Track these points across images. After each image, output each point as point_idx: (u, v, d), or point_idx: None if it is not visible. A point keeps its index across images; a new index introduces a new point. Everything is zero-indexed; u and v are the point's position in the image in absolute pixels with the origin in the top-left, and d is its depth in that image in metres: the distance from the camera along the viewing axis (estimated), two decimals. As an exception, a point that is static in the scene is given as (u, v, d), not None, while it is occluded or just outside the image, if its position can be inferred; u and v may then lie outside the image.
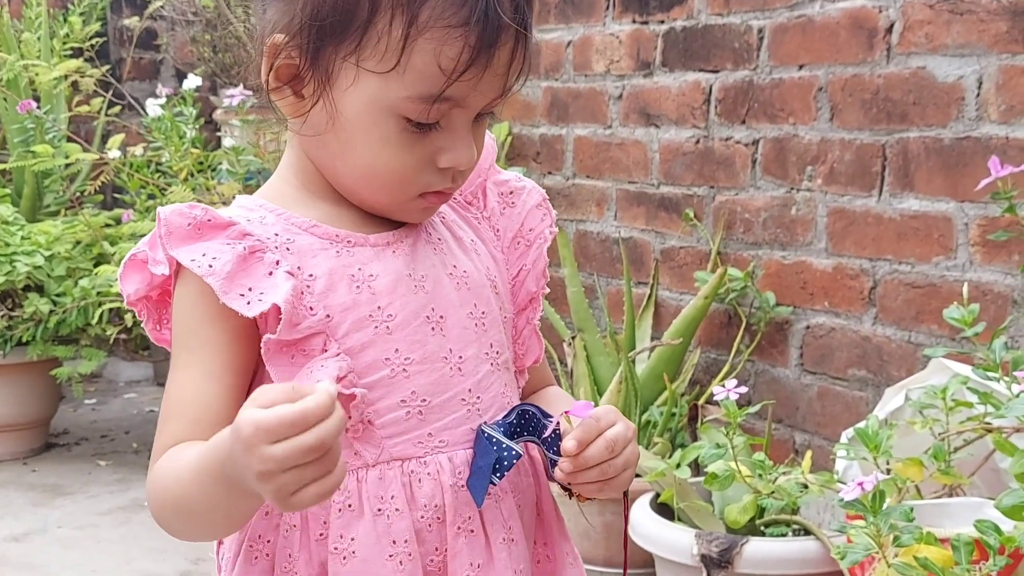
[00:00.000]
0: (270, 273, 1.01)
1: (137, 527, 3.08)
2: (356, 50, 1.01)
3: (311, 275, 1.04)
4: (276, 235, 1.05)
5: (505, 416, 1.10)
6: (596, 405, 1.06)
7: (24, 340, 3.47)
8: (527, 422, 1.09)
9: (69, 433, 3.97)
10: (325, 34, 1.02)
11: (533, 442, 1.09)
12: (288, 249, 1.04)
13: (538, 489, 1.16)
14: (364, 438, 1.05)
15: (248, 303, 0.99)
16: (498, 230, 1.20)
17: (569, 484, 1.08)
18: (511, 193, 1.21)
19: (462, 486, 1.06)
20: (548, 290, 1.22)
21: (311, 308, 1.03)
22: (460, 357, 1.09)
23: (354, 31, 1.01)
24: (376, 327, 1.05)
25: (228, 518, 0.98)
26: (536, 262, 1.19)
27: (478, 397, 1.09)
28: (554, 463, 1.07)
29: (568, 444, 1.04)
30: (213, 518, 0.98)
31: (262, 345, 1.00)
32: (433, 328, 1.08)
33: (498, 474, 1.06)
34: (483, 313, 1.12)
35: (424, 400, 1.06)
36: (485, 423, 1.08)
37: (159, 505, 1.02)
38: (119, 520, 3.13)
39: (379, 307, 1.06)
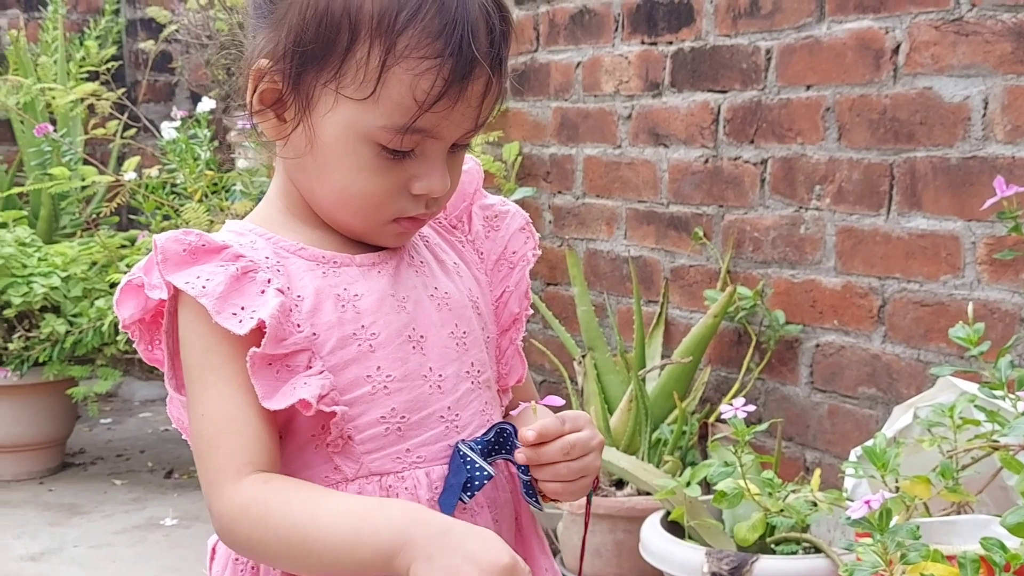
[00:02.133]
0: (262, 292, 1.04)
1: (152, 546, 3.10)
2: (335, 77, 1.05)
3: (299, 296, 1.07)
4: (267, 258, 1.08)
5: (484, 434, 1.13)
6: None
7: (41, 360, 3.50)
8: (504, 440, 1.12)
9: (85, 452, 4.00)
10: (307, 60, 1.05)
11: (509, 460, 1.12)
12: (278, 271, 1.08)
13: (517, 505, 1.19)
14: (344, 453, 1.08)
15: (240, 321, 1.02)
16: (482, 253, 1.23)
17: (540, 502, 1.11)
18: (495, 217, 1.25)
19: (437, 501, 1.09)
20: (531, 312, 1.25)
21: (298, 325, 1.06)
22: (440, 376, 1.12)
23: (334, 58, 1.05)
24: (359, 345, 1.08)
25: (337, 570, 1.01)
26: (519, 283, 1.23)
27: (456, 415, 1.12)
28: (526, 484, 1.11)
29: (528, 434, 1.08)
30: (320, 560, 1.01)
31: (247, 358, 1.02)
32: (414, 347, 1.11)
33: (468, 493, 1.09)
34: (464, 333, 1.15)
35: (403, 417, 1.09)
36: (463, 440, 1.11)
37: (258, 531, 1.02)
38: (134, 539, 3.16)
39: (363, 326, 1.09)
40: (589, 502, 1.17)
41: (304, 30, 1.05)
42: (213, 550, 1.18)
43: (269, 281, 1.05)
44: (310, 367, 1.05)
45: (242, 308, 1.03)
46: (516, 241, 1.24)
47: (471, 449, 1.10)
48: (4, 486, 3.63)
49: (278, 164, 1.15)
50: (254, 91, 1.09)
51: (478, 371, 1.16)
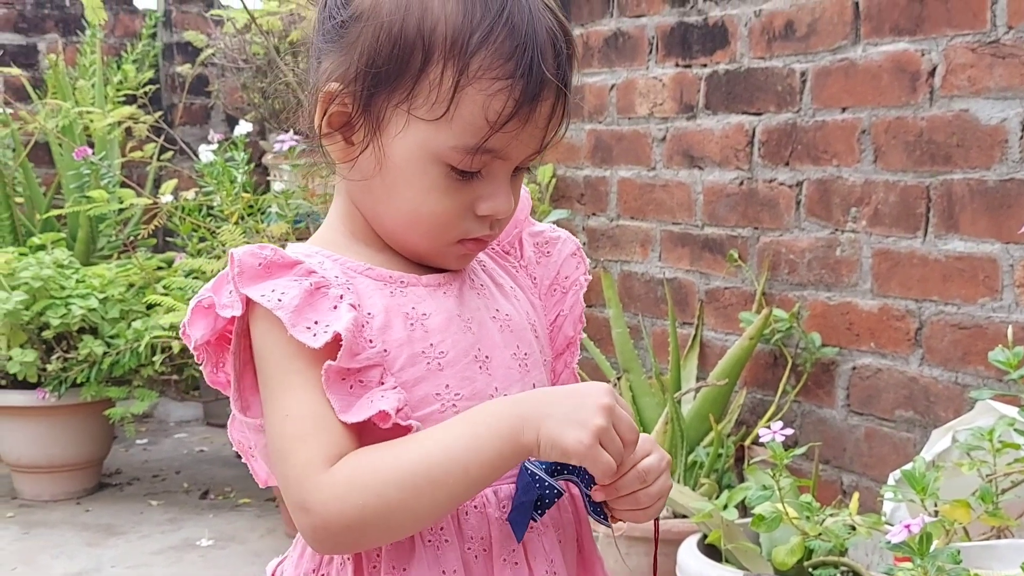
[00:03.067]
0: (335, 307, 1.05)
1: (188, 567, 3.12)
2: (408, 98, 1.07)
3: (369, 313, 1.09)
4: (336, 277, 1.09)
5: None
6: None
7: (79, 381, 3.53)
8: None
9: (121, 473, 4.03)
10: (379, 82, 1.07)
11: (573, 481, 1.12)
12: (348, 288, 1.09)
13: (579, 526, 1.19)
14: None
15: (314, 335, 1.03)
16: (535, 278, 1.25)
17: (608, 519, 1.11)
18: (546, 243, 1.27)
19: (507, 519, 1.10)
20: (584, 335, 1.26)
21: (370, 341, 1.07)
22: (505, 395, 1.12)
23: (407, 80, 1.06)
24: (428, 363, 1.09)
25: (469, 483, 1.03)
26: (573, 308, 1.25)
27: None
28: (590, 498, 1.11)
29: None
30: (449, 484, 1.02)
31: (322, 372, 1.03)
32: (480, 367, 1.12)
33: (539, 511, 1.09)
34: (525, 355, 1.17)
35: None
36: (529, 460, 1.11)
37: (373, 492, 1.01)
38: (170, 559, 3.17)
39: (431, 344, 1.10)
40: (657, 521, 1.17)
41: (377, 52, 1.06)
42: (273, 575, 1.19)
43: (341, 297, 1.06)
44: (382, 383, 1.06)
45: (316, 322, 1.04)
46: (568, 266, 1.26)
47: (537, 468, 1.10)
48: (42, 506, 3.66)
49: (339, 188, 1.17)
50: (323, 114, 1.10)
51: None
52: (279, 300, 1.04)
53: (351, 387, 1.05)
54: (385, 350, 1.08)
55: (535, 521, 1.10)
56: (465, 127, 1.06)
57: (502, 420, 1.02)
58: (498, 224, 1.13)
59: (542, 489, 1.09)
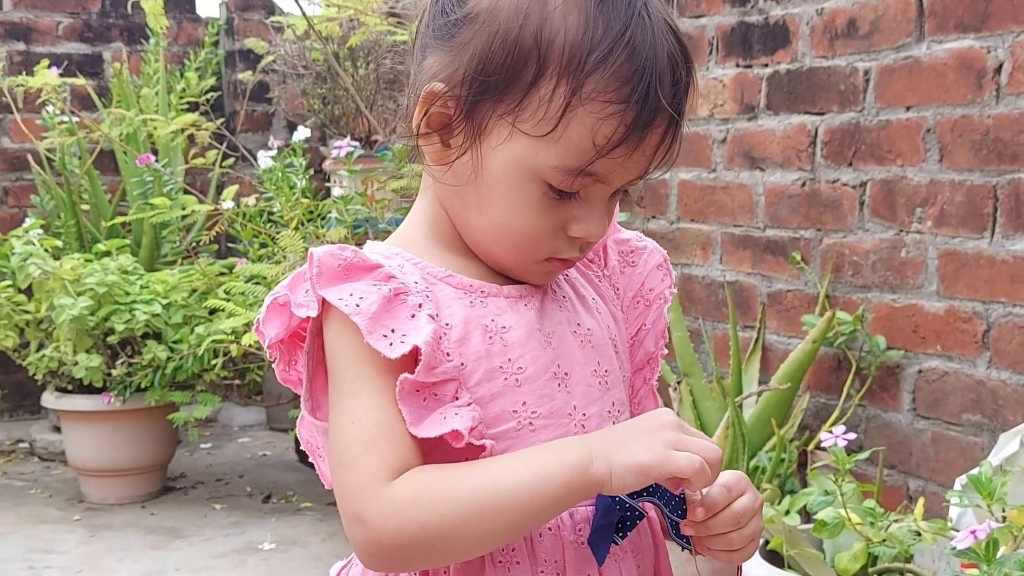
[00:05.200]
0: (412, 316, 1.02)
1: (251, 570, 3.14)
2: (515, 110, 1.02)
3: (447, 323, 1.05)
4: (415, 283, 1.06)
5: None
6: None
7: (143, 386, 3.57)
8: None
9: (186, 477, 4.07)
10: (487, 89, 1.03)
11: (653, 503, 1.08)
12: (427, 296, 1.05)
13: (656, 551, 1.16)
14: None
15: (391, 344, 1.00)
16: (618, 288, 1.20)
17: (690, 543, 1.08)
18: (631, 253, 1.22)
19: (582, 543, 1.06)
20: (666, 351, 1.22)
21: (447, 354, 1.04)
22: (584, 414, 1.09)
23: (516, 91, 1.02)
24: (506, 379, 1.06)
25: (535, 512, 1.00)
26: (656, 322, 1.20)
27: None
28: (674, 524, 1.07)
29: (697, 511, 1.04)
30: (514, 510, 0.98)
31: (398, 383, 1.00)
32: (559, 384, 1.08)
33: (620, 534, 1.06)
34: (606, 372, 1.13)
35: None
36: None
37: (437, 510, 0.98)
38: (234, 563, 3.19)
39: (510, 359, 1.06)
40: (739, 570, 1.14)
41: (489, 59, 1.02)
42: None
43: (420, 306, 1.03)
44: (457, 398, 1.02)
45: (392, 331, 1.01)
46: (653, 278, 1.22)
47: None
48: (108, 509, 3.71)
49: (426, 188, 1.13)
50: (424, 114, 1.06)
51: (618, 411, 1.13)
52: (356, 305, 1.01)
53: (424, 400, 1.01)
54: (462, 363, 1.04)
55: (616, 544, 1.06)
56: (570, 148, 1.01)
57: (571, 450, 1.00)
58: (587, 246, 1.10)
59: (623, 511, 1.05)
